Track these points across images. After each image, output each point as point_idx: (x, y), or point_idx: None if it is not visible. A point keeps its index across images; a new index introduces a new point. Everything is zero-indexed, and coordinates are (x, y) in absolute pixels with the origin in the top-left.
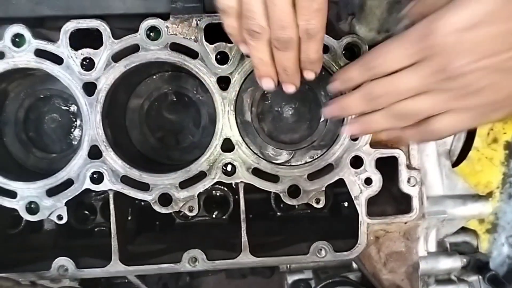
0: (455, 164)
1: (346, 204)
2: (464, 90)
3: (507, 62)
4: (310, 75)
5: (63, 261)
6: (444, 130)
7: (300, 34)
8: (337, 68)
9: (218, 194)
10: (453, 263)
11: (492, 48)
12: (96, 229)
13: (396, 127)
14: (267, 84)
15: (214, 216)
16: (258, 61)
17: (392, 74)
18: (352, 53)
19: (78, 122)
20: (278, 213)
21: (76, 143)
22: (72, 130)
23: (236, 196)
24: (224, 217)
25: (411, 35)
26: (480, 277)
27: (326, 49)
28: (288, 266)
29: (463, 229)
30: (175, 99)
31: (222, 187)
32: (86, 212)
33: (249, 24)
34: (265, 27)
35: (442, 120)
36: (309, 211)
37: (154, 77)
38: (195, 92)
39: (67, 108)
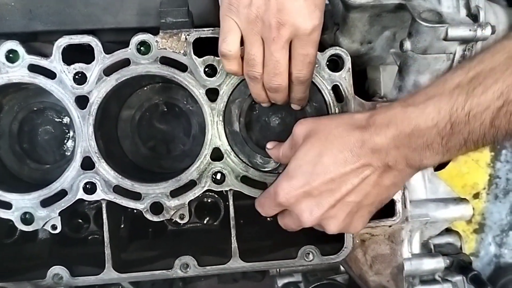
0: (438, 168)
1: None
2: (320, 221)
3: (337, 202)
4: (296, 108)
5: (58, 270)
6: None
7: (291, 79)
8: (320, 78)
9: (209, 200)
10: (437, 264)
11: (322, 197)
12: (89, 237)
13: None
14: (264, 105)
15: (205, 222)
16: (255, 95)
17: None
18: (336, 64)
19: (71, 133)
20: (268, 218)
21: (69, 154)
22: (65, 141)
23: (227, 203)
24: (215, 223)
25: (269, 196)
26: (463, 277)
27: None
28: (278, 269)
29: (447, 231)
30: (166, 110)
31: (213, 194)
32: (80, 220)
33: (249, 70)
34: (262, 74)
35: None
36: None
37: (145, 88)
38: (185, 102)
39: (60, 120)
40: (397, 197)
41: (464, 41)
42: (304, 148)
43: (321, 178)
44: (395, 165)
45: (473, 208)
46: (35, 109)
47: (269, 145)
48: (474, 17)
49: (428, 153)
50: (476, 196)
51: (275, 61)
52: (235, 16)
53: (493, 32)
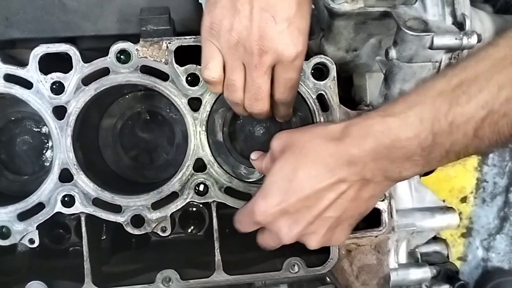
0: (424, 174)
1: None
2: (301, 238)
3: (315, 218)
4: (280, 120)
5: (36, 285)
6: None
7: (274, 100)
8: (305, 87)
9: (193, 209)
10: (423, 274)
11: (299, 214)
12: (70, 249)
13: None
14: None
15: (190, 231)
16: (237, 113)
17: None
18: (321, 73)
19: (50, 143)
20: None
21: (48, 164)
22: (44, 151)
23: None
24: (199, 233)
25: (247, 213)
26: (450, 286)
27: None
28: (264, 281)
29: (434, 239)
30: (148, 118)
31: (197, 203)
32: (61, 231)
33: (230, 96)
34: (243, 98)
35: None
36: None
37: (127, 96)
38: (168, 110)
39: (39, 130)
40: (383, 207)
41: (450, 49)
42: (279, 163)
43: (296, 195)
44: (373, 178)
45: (461, 212)
46: (12, 118)
47: (253, 155)
48: (460, 25)
49: (408, 164)
50: (464, 200)
51: (257, 87)
52: (215, 41)
53: (479, 41)
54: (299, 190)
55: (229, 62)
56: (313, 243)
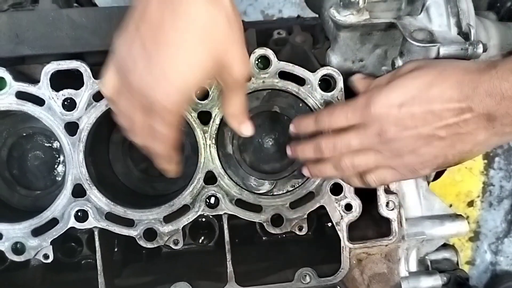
0: (434, 179)
1: (329, 224)
2: (392, 152)
3: (424, 134)
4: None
5: None
6: (376, 182)
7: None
8: (313, 99)
9: (203, 220)
10: (434, 281)
11: (413, 123)
12: (83, 262)
13: (341, 176)
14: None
15: (200, 242)
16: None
17: (337, 133)
18: (328, 84)
19: (61, 158)
20: (264, 238)
21: (60, 179)
22: (56, 166)
23: (221, 222)
24: (210, 244)
25: (354, 104)
26: None
27: (302, 81)
28: None
29: (443, 246)
30: None
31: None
32: (73, 244)
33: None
34: None
35: (375, 174)
36: (294, 234)
37: None
38: None
39: (50, 145)
40: (393, 216)
41: (456, 59)
42: (412, 74)
43: (422, 105)
44: (501, 118)
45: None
46: (24, 134)
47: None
48: (465, 35)
49: None
50: (471, 204)
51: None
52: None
53: (484, 50)
54: (426, 102)
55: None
56: (406, 154)
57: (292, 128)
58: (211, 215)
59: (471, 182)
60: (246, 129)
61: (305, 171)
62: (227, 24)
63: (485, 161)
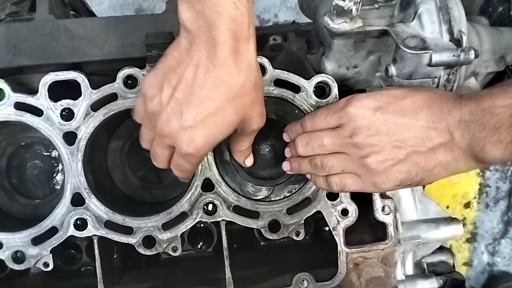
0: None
1: (327, 228)
2: (359, 158)
3: (392, 144)
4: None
5: None
6: (338, 186)
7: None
8: (308, 105)
9: (201, 226)
10: (430, 284)
11: (385, 129)
12: (82, 269)
13: (316, 174)
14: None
15: (198, 248)
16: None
17: (314, 132)
18: (323, 91)
19: (60, 167)
20: (262, 243)
21: (59, 187)
22: (55, 175)
23: (219, 228)
24: (208, 249)
25: (334, 106)
26: None
27: (297, 88)
28: None
29: (439, 249)
30: None
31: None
32: (72, 251)
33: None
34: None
35: (339, 177)
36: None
37: None
38: None
39: (49, 154)
40: (389, 220)
41: (448, 65)
42: (390, 89)
43: (396, 114)
44: (459, 142)
45: (464, 218)
46: (23, 144)
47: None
48: (457, 41)
49: (494, 139)
50: (467, 205)
51: (154, 152)
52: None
53: (476, 56)
54: (399, 111)
55: (145, 120)
56: (372, 160)
57: (285, 136)
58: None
59: (467, 184)
60: (249, 161)
61: (285, 165)
62: (253, 87)
63: None
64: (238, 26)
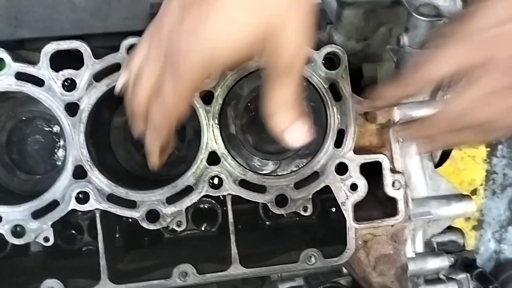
0: (437, 165)
1: (333, 209)
2: None
3: None
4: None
5: (51, 283)
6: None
7: None
8: (317, 77)
9: (206, 206)
10: (441, 262)
11: None
12: (84, 249)
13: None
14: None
15: (203, 228)
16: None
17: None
18: (332, 62)
19: (62, 142)
20: (267, 222)
21: (60, 163)
22: (56, 150)
23: (224, 208)
24: (213, 229)
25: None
26: (468, 274)
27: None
28: (279, 274)
29: (449, 228)
30: None
31: (209, 199)
32: (73, 231)
33: None
34: None
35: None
36: (297, 218)
37: None
38: None
39: (50, 129)
40: (399, 195)
41: None
42: None
43: None
44: None
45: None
46: (23, 118)
47: None
48: None
49: None
50: (474, 192)
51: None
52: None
53: None
54: None
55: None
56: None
57: (368, 104)
58: (214, 200)
59: (474, 171)
60: (296, 134)
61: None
62: None
63: (488, 149)
64: None
